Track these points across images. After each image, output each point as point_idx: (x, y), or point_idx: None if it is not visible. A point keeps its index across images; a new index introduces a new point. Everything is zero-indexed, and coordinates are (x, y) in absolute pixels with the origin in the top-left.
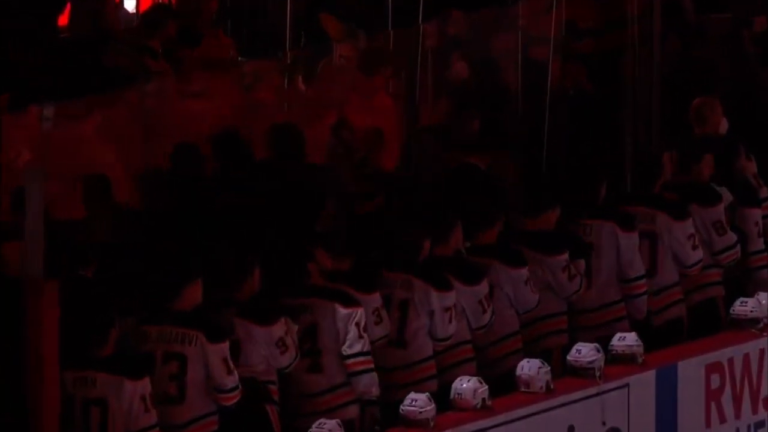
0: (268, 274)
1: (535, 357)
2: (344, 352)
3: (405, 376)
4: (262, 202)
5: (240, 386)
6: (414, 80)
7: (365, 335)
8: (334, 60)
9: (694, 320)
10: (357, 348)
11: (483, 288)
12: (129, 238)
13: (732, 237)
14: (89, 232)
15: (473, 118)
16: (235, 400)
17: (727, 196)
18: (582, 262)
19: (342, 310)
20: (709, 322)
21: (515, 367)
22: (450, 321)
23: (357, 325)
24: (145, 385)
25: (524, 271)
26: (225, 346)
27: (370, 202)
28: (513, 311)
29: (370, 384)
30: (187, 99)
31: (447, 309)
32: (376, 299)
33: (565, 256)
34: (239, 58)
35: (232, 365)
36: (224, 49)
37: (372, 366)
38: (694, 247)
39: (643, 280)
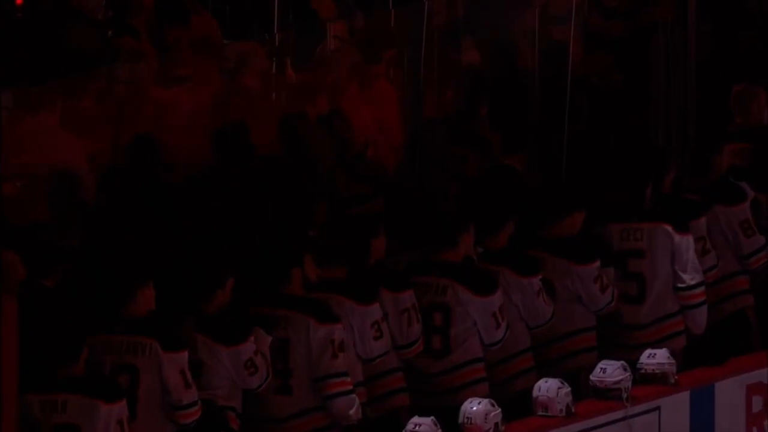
0: (244, 280)
1: (563, 377)
2: (317, 374)
3: (368, 390)
4: (245, 201)
5: (199, 402)
6: (418, 65)
7: (340, 354)
8: (328, 41)
9: (725, 334)
10: (332, 369)
11: (496, 299)
12: (94, 242)
13: (761, 238)
14: (53, 237)
15: (484, 109)
16: (193, 418)
17: (749, 191)
18: (611, 271)
19: (317, 327)
20: (740, 336)
21: (527, 387)
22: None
23: (332, 342)
24: (122, 408)
25: (536, 280)
26: (183, 355)
27: (369, 204)
28: (524, 324)
29: (346, 407)
30: (164, 85)
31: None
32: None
33: (597, 264)
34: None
35: (190, 378)
36: (213, 29)
37: (350, 388)
38: (705, 252)
39: (702, 288)
